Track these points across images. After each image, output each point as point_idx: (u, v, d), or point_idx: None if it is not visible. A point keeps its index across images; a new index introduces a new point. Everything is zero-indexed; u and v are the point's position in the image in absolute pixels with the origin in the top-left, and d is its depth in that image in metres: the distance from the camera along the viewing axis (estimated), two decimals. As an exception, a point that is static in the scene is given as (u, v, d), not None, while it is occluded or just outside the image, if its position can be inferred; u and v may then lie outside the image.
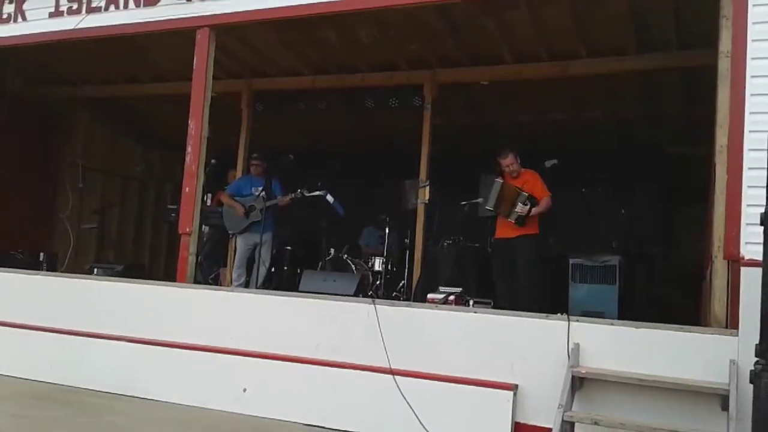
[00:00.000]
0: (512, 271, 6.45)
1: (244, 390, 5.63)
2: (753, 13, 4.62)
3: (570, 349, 4.68)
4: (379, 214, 8.76)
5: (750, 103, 4.51)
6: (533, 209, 6.34)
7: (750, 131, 4.48)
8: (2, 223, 8.66)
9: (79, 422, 5.26)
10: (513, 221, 6.40)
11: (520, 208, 6.32)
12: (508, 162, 6.61)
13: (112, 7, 6.96)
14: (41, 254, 8.95)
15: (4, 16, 7.47)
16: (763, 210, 3.62)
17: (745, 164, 4.48)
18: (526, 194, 6.36)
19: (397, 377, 5.10)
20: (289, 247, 8.91)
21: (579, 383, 4.62)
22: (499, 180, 6.54)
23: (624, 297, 6.85)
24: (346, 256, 8.37)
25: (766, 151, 3.72)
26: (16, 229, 8.99)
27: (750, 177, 4.40)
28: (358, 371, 5.29)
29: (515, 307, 5.35)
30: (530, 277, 6.35)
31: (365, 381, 5.26)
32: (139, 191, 12.01)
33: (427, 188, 7.56)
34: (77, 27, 7.04)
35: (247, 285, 7.59)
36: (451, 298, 5.74)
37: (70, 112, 10.60)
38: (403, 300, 7.41)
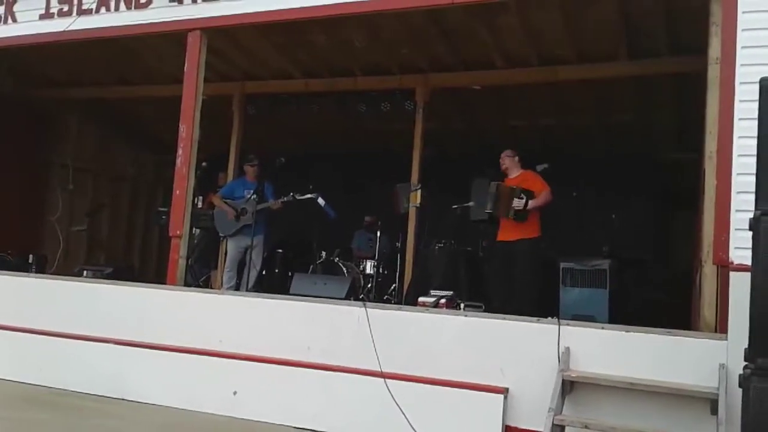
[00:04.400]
0: (510, 273, 6.44)
1: (234, 393, 5.61)
2: (742, 20, 4.65)
3: (560, 353, 4.69)
4: (369, 216, 8.77)
5: (739, 110, 4.54)
6: (530, 201, 6.32)
7: (739, 137, 4.50)
8: (-9, 225, 8.63)
9: (67, 425, 5.23)
10: (513, 218, 6.39)
11: (516, 203, 6.31)
12: (510, 154, 6.67)
13: (103, 10, 6.94)
14: (30, 256, 8.91)
15: (-5, 17, 7.45)
16: (751, 215, 3.64)
17: (734, 170, 4.51)
18: (520, 189, 6.35)
19: (388, 380, 5.09)
20: (280, 250, 8.89)
21: (569, 387, 4.63)
22: (494, 182, 6.53)
23: (614, 301, 6.87)
24: (337, 259, 8.36)
25: (754, 157, 3.74)
26: (4, 231, 8.92)
27: (739, 182, 4.43)
28: (348, 374, 5.28)
29: (510, 311, 5.36)
30: (528, 280, 6.34)
31: (356, 384, 5.25)
32: (130, 193, 11.96)
33: (419, 192, 7.56)
34: (68, 29, 7.01)
35: (237, 288, 7.56)
36: (442, 301, 5.73)
37: (60, 114, 10.57)
38: (394, 303, 7.41)
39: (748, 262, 3.65)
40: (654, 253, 9.13)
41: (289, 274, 8.10)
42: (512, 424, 4.80)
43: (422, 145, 7.82)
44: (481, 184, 6.66)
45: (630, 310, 7.13)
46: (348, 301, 5.94)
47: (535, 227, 6.45)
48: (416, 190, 7.57)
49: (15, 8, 7.36)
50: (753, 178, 3.69)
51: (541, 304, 6.29)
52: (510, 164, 6.69)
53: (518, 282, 6.35)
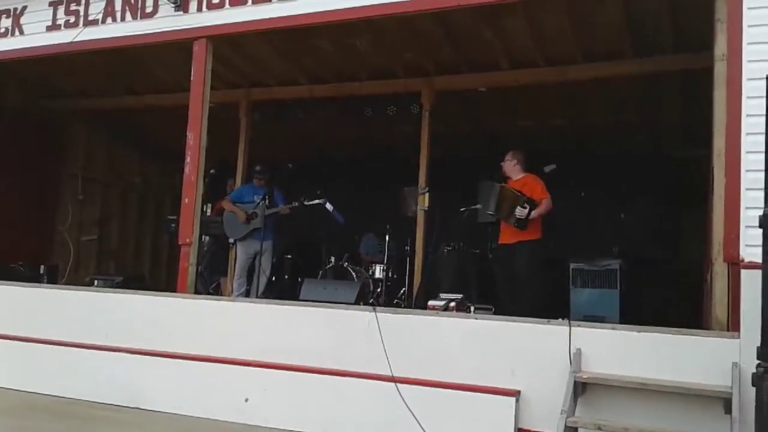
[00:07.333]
0: (513, 276, 6.44)
1: (246, 400, 5.62)
2: (748, 16, 4.64)
3: (572, 354, 4.68)
4: (379, 222, 8.76)
5: (746, 106, 4.52)
6: (533, 212, 6.32)
7: (747, 134, 4.48)
8: (2, 236, 8.67)
9: (81, 435, 5.26)
10: (514, 225, 6.40)
11: (519, 212, 6.31)
12: (509, 158, 6.67)
13: (109, 20, 6.99)
14: (42, 266, 8.96)
15: (2, 31, 7.50)
16: (761, 212, 3.63)
17: (743, 167, 4.49)
18: (525, 197, 6.35)
19: (399, 384, 5.10)
20: (289, 256, 8.91)
21: (581, 388, 4.61)
22: (499, 185, 6.53)
23: (625, 301, 6.84)
24: (346, 264, 8.36)
25: (763, 154, 3.73)
26: (16, 242, 8.99)
27: (748, 179, 4.41)
28: (359, 379, 5.29)
29: (517, 313, 5.35)
30: (530, 282, 6.34)
31: (367, 389, 5.25)
32: (139, 202, 12.02)
33: (427, 195, 7.57)
34: (75, 40, 7.06)
35: (248, 294, 7.58)
36: (452, 304, 5.73)
37: (69, 125, 10.63)
38: (404, 307, 7.40)
39: (759, 259, 3.64)
40: (664, 252, 9.08)
41: (299, 279, 8.11)
42: (525, 427, 4.79)
43: (429, 147, 7.81)
44: (487, 186, 6.65)
45: (641, 309, 7.09)
46: (358, 306, 5.94)
47: (535, 230, 6.44)
48: (424, 193, 7.58)
49: (22, 21, 7.42)
50: (762, 175, 3.68)
51: (551, 306, 6.27)
52: (508, 168, 6.70)
53: (519, 284, 6.35)
